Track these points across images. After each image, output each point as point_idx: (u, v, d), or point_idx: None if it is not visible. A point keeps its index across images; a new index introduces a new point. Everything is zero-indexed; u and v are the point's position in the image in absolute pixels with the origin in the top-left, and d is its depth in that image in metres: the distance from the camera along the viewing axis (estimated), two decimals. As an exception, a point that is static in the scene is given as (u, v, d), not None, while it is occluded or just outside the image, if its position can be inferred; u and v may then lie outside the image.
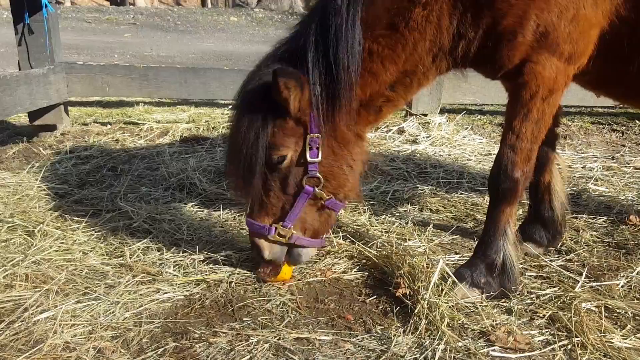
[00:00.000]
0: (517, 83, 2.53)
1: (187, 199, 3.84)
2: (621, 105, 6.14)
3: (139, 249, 3.03)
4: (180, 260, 2.94)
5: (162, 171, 4.28)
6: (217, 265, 2.92)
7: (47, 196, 3.74)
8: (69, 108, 5.78)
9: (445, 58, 2.55)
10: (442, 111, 6.05)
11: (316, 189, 2.60)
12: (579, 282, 2.84)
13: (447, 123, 5.68)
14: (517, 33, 2.40)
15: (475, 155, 4.96)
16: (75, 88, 5.33)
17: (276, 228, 2.62)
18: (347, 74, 2.42)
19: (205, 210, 3.67)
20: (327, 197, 2.65)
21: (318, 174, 2.58)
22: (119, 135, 5.34)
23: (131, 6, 22.63)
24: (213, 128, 5.62)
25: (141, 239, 3.16)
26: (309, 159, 2.54)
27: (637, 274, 2.94)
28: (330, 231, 2.96)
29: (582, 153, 5.33)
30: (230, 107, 6.22)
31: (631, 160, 5.13)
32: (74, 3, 31.50)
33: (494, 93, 5.46)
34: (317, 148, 2.54)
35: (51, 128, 5.32)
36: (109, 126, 5.64)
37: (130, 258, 2.92)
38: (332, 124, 2.52)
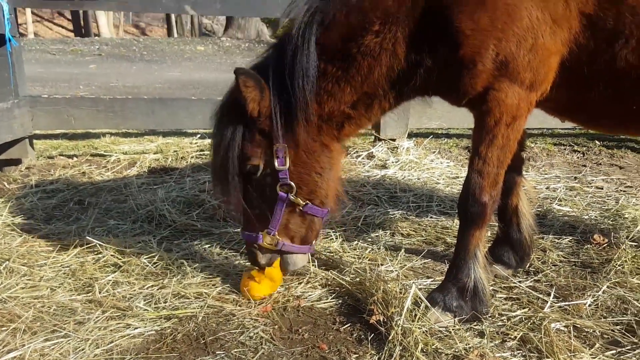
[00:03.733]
0: (482, 110, 2.60)
1: (156, 231, 3.79)
2: (582, 128, 6.34)
3: (108, 283, 2.98)
4: (151, 295, 2.90)
5: (130, 203, 4.22)
6: (188, 299, 2.88)
7: (12, 232, 3.66)
8: (34, 141, 5.69)
9: (406, 85, 2.64)
10: (410, 135, 6.16)
11: (290, 195, 2.75)
12: (547, 302, 2.89)
13: (415, 147, 5.77)
14: (477, 62, 2.47)
15: (443, 179, 5.05)
16: (40, 121, 5.25)
17: (262, 235, 2.79)
18: (302, 92, 2.59)
19: (175, 242, 3.63)
20: (304, 203, 2.78)
21: (289, 181, 2.72)
22: (86, 167, 5.26)
23: (96, 37, 22.50)
24: (182, 158, 5.59)
25: (110, 273, 3.10)
26: (277, 166, 2.70)
27: (603, 292, 3.02)
28: (318, 237, 3.08)
29: (546, 174, 5.47)
30: (198, 136, 6.25)
31: (592, 180, 5.29)
32: (37, 35, 31.23)
33: (459, 118, 5.59)
34: (284, 157, 2.69)
35: (16, 162, 5.22)
36: (75, 159, 5.56)
37: (99, 293, 2.87)
38: (293, 135, 2.68)
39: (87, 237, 3.53)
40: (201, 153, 5.75)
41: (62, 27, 35.56)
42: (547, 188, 4.99)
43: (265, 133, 2.69)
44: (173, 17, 32.51)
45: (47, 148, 6.04)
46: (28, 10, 33.13)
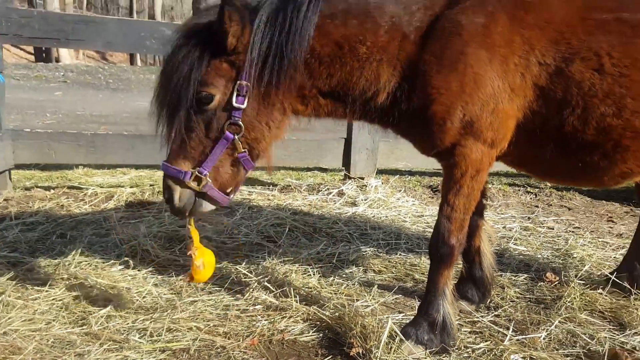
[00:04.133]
0: (450, 163, 2.95)
1: (140, 266, 3.96)
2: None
3: (102, 317, 3.15)
4: (144, 328, 3.08)
5: (113, 237, 4.38)
6: (179, 333, 3.08)
7: (1, 264, 3.77)
8: (10, 172, 5.77)
9: (378, 113, 2.97)
10: (378, 174, 6.52)
11: (236, 137, 2.73)
12: (507, 335, 3.22)
13: (382, 185, 6.13)
14: (446, 120, 2.82)
15: (409, 217, 5.39)
16: (22, 155, 5.36)
17: (192, 173, 2.73)
18: (290, 52, 2.67)
19: (160, 277, 3.81)
20: (243, 150, 2.79)
21: (240, 122, 2.72)
22: (64, 200, 5.37)
23: (59, 63, 22.31)
24: (158, 192, 5.75)
25: (102, 307, 3.26)
26: (234, 104, 2.70)
27: (555, 327, 3.37)
28: (236, 191, 3.00)
29: (502, 214, 5.89)
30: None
31: (544, 220, 5.74)
32: (-5, 56, 30.57)
33: (423, 159, 5.94)
34: (244, 96, 2.70)
35: (-6, 194, 5.30)
36: (52, 191, 5.65)
37: (95, 326, 3.03)
38: (263, 79, 2.70)
39: (76, 272, 3.69)
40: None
41: (22, 49, 34.99)
42: (503, 227, 5.39)
43: (234, 65, 2.71)
44: (136, 44, 32.48)
45: (20, 179, 6.11)
46: (-14, 32, 32.50)
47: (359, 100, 2.94)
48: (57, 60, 27.29)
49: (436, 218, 3.03)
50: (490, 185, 6.87)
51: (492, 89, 2.80)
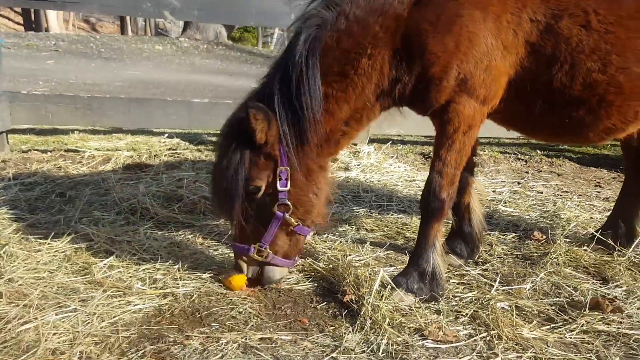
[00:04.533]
0: (443, 120, 3.05)
1: (140, 222, 4.06)
2: (524, 138, 6.96)
3: (104, 266, 3.26)
4: (146, 277, 3.20)
5: (112, 196, 4.47)
6: (180, 281, 3.19)
7: (2, 220, 3.85)
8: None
9: (387, 97, 3.07)
10: (371, 141, 6.61)
11: (286, 215, 3.04)
12: (494, 286, 3.36)
13: (375, 152, 6.23)
14: (443, 79, 2.93)
15: (401, 181, 5.52)
16: (19, 116, 5.42)
17: (255, 248, 3.07)
18: (311, 114, 2.90)
19: (160, 233, 3.92)
20: (296, 223, 3.08)
21: (287, 201, 3.03)
22: (61, 162, 5.45)
23: (50, 33, 22.06)
24: (155, 156, 5.84)
25: (104, 258, 3.37)
26: (279, 188, 3.00)
27: (540, 279, 3.51)
28: (300, 254, 3.36)
29: (493, 179, 6.03)
30: (166, 135, 6.51)
31: (534, 185, 5.88)
32: (-15, 26, 30.19)
33: (414, 126, 6.09)
34: (286, 179, 3.00)
35: (-9, 155, 5.37)
36: (49, 154, 5.73)
37: (98, 275, 3.14)
38: (298, 158, 3.00)
39: (78, 226, 3.79)
40: (172, 152, 6.02)
41: (9, 19, 34.49)
42: (493, 191, 5.53)
43: (271, 157, 2.99)
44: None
45: (16, 142, 6.17)
46: (-26, 1, 32.01)
47: (373, 99, 3.06)
48: (47, 30, 26.97)
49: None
50: (481, 152, 6.99)
51: (485, 47, 2.89)
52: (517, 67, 3.00)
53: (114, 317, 2.78)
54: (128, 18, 33.06)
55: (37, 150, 5.90)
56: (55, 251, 3.42)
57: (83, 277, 3.17)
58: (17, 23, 33.70)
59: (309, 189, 3.12)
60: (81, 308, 2.81)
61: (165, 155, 5.86)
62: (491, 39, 2.87)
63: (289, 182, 3.01)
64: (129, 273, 3.23)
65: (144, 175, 5.18)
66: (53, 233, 3.62)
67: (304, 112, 2.89)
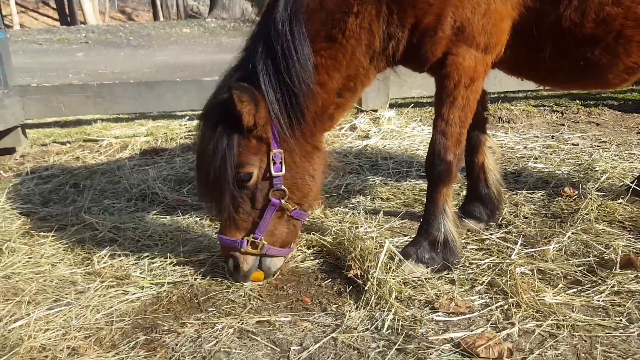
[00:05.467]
0: (442, 74, 2.80)
1: (149, 208, 4.01)
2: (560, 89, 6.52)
3: (106, 255, 3.20)
4: (147, 265, 3.12)
5: (124, 184, 4.43)
6: (182, 267, 3.11)
7: (11, 216, 3.86)
8: (27, 130, 5.88)
9: (380, 58, 2.81)
10: (392, 106, 6.35)
11: (282, 201, 2.79)
12: (515, 250, 3.11)
13: (396, 117, 5.98)
14: (437, 29, 2.67)
15: (424, 145, 5.25)
16: (31, 110, 5.44)
17: (248, 241, 2.81)
18: (304, 88, 2.63)
19: (168, 217, 3.84)
20: (293, 208, 2.85)
21: (283, 187, 2.78)
22: (79, 152, 5.46)
23: (82, 25, 22.44)
24: (171, 139, 5.79)
25: (107, 247, 3.32)
26: (273, 173, 2.74)
27: (567, 238, 3.24)
28: (297, 240, 3.15)
29: (524, 134, 5.67)
30: (187, 118, 6.43)
31: (569, 137, 5.50)
32: (23, 26, 31.05)
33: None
34: (281, 162, 2.74)
35: (10, 151, 5.42)
36: (68, 145, 5.75)
37: (98, 265, 3.09)
38: (292, 139, 2.72)
39: (84, 216, 3.76)
40: (190, 134, 5.94)
41: (48, 16, 35.33)
42: (524, 148, 5.20)
43: (262, 140, 2.72)
44: (158, 0, 32.39)
45: (40, 137, 6.22)
46: (12, 1, 32.92)
47: (365, 63, 2.79)
48: (83, 23, 27.44)
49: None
50: (512, 107, 6.62)
51: (482, -11, 2.61)
52: (521, 9, 2.70)
53: (110, 307, 2.72)
54: (160, 4, 33.27)
55: (57, 142, 5.94)
56: (60, 243, 3.39)
57: (84, 267, 3.12)
58: (55, 19, 34.50)
59: (305, 171, 2.85)
60: (76, 301, 2.75)
61: (182, 138, 5.79)
62: (488, -21, 2.58)
63: (283, 166, 2.76)
64: (130, 261, 3.16)
65: (159, 160, 5.14)
66: (57, 225, 3.59)
67: (294, 87, 2.62)
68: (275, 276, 3.00)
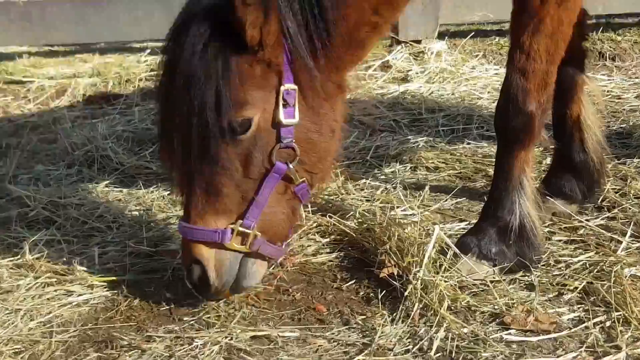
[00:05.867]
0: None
1: (98, 177, 4.06)
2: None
3: (40, 241, 3.23)
4: (97, 256, 3.15)
5: (63, 143, 4.48)
6: (146, 260, 3.16)
7: None
8: None
9: None
10: (442, 35, 6.31)
11: (290, 165, 2.61)
12: (622, 243, 3.12)
13: (449, 51, 5.98)
14: None
15: (488, 92, 5.28)
16: None
17: (234, 230, 2.59)
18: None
19: (125, 190, 3.90)
20: (300, 180, 2.68)
21: (294, 144, 2.59)
22: (1, 99, 5.51)
23: None
24: (127, 81, 5.87)
25: (42, 230, 3.36)
26: (283, 120, 2.55)
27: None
28: (291, 235, 2.99)
29: (636, 78, 5.63)
30: (148, 52, 6.42)
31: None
32: None
33: (507, 4, 5.72)
34: (294, 106, 2.56)
35: None
36: (-18, 88, 5.80)
37: (29, 255, 3.11)
38: (313, 69, 2.56)
39: (9, 187, 3.79)
40: (152, 74, 5.93)
41: None
42: (636, 97, 5.17)
43: (270, 68, 2.54)
44: None
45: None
46: None
47: None
48: None
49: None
50: (620, 38, 6.53)
51: None
52: None
53: (48, 313, 2.76)
54: None
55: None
56: (-26, 226, 3.45)
57: (12, 257, 3.17)
58: None
59: (326, 122, 2.68)
60: (1, 303, 2.80)
61: (141, 79, 5.85)
62: None
63: (296, 112, 2.61)
64: (74, 250, 3.21)
65: (111, 110, 5.21)
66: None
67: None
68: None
